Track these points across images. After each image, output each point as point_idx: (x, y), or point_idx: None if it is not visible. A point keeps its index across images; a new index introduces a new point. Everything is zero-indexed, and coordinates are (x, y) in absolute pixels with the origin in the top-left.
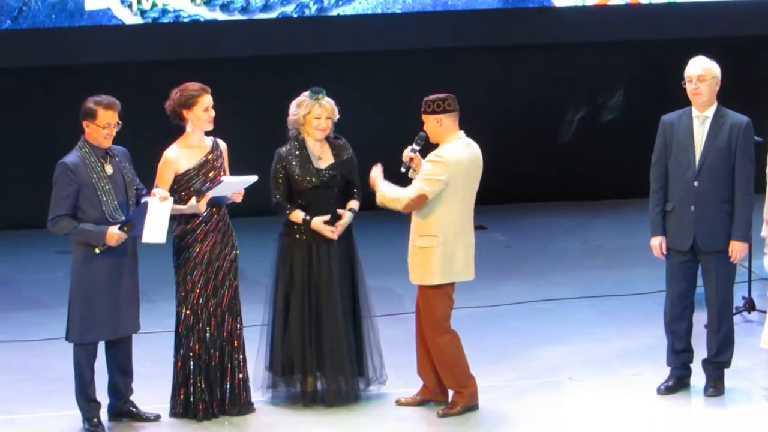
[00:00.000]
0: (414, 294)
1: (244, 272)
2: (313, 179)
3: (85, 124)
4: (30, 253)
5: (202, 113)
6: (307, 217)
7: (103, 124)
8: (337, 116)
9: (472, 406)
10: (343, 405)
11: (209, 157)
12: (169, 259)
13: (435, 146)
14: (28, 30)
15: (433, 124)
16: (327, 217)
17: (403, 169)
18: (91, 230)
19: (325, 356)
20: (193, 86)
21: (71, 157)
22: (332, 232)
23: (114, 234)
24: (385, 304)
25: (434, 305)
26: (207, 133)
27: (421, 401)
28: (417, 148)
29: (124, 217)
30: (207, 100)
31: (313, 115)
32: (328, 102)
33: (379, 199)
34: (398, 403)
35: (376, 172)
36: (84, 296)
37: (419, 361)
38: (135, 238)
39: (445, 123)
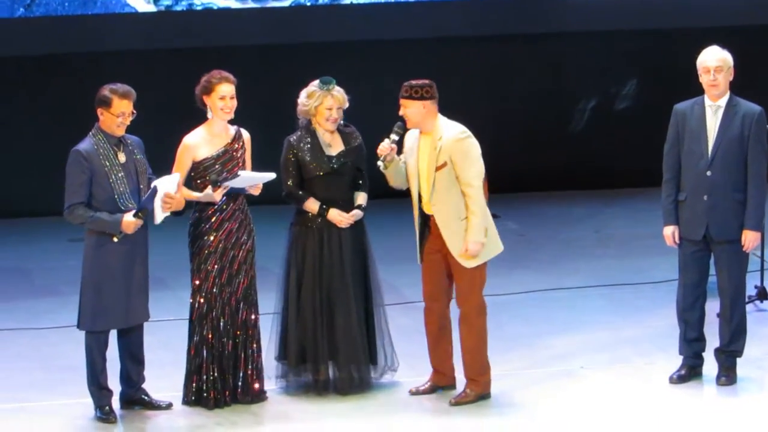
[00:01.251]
0: (418, 284)
1: (256, 261)
2: (326, 166)
3: (99, 111)
4: (43, 241)
5: (217, 101)
6: (324, 207)
7: (118, 112)
8: (347, 105)
9: (484, 395)
10: (356, 393)
11: (230, 147)
12: (184, 246)
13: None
14: (42, 18)
15: (420, 109)
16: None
17: (378, 163)
18: (106, 219)
19: (338, 345)
20: (216, 74)
21: (84, 145)
22: (346, 221)
23: (130, 222)
24: (391, 292)
25: (478, 284)
26: (231, 122)
27: (433, 387)
28: (396, 138)
29: (136, 206)
30: (224, 89)
31: (325, 106)
32: (339, 92)
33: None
34: (411, 393)
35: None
36: (95, 284)
37: (432, 350)
38: (146, 227)
39: (431, 109)
